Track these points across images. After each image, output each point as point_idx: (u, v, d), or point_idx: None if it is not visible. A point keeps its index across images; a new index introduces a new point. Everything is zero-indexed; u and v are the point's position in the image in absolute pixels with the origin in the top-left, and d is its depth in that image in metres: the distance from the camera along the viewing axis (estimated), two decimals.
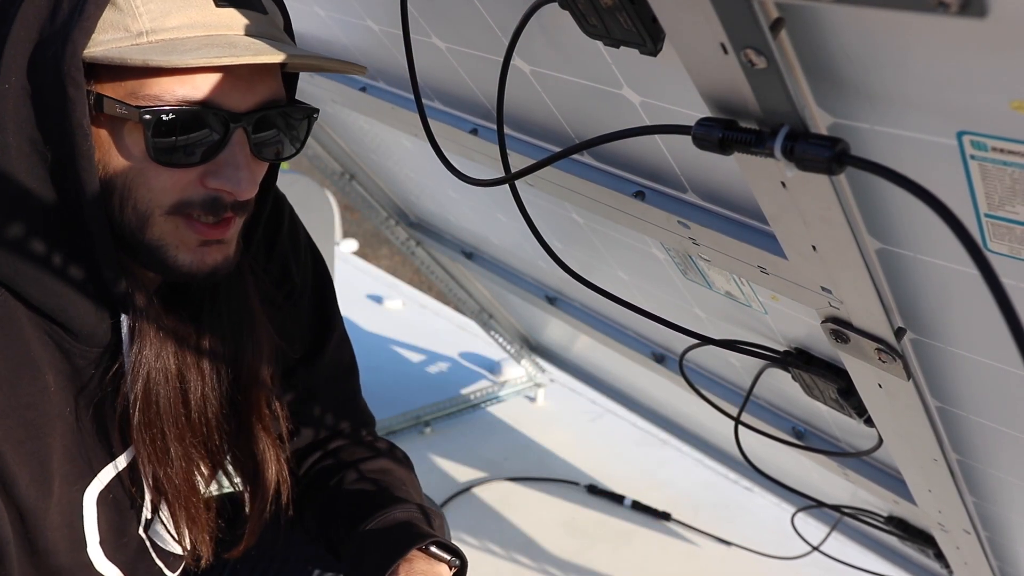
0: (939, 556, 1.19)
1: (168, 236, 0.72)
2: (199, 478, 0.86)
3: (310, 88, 1.34)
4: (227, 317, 0.83)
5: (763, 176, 0.53)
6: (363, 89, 1.17)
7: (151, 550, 0.88)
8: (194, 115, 0.67)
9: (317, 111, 0.80)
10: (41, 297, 0.71)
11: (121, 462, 0.82)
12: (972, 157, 0.47)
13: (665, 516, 2.00)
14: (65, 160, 0.67)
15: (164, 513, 0.86)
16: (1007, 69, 0.38)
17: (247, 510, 0.92)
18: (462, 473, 2.14)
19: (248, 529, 0.91)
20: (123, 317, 0.75)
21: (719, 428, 1.70)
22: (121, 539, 0.84)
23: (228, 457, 0.90)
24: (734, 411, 1.12)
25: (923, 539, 1.19)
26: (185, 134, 0.68)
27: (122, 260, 0.73)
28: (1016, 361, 0.61)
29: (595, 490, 2.08)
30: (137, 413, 0.77)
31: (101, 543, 0.82)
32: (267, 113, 0.72)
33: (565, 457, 2.22)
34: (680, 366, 1.08)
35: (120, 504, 0.83)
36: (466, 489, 2.08)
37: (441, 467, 2.16)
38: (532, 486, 2.11)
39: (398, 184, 1.78)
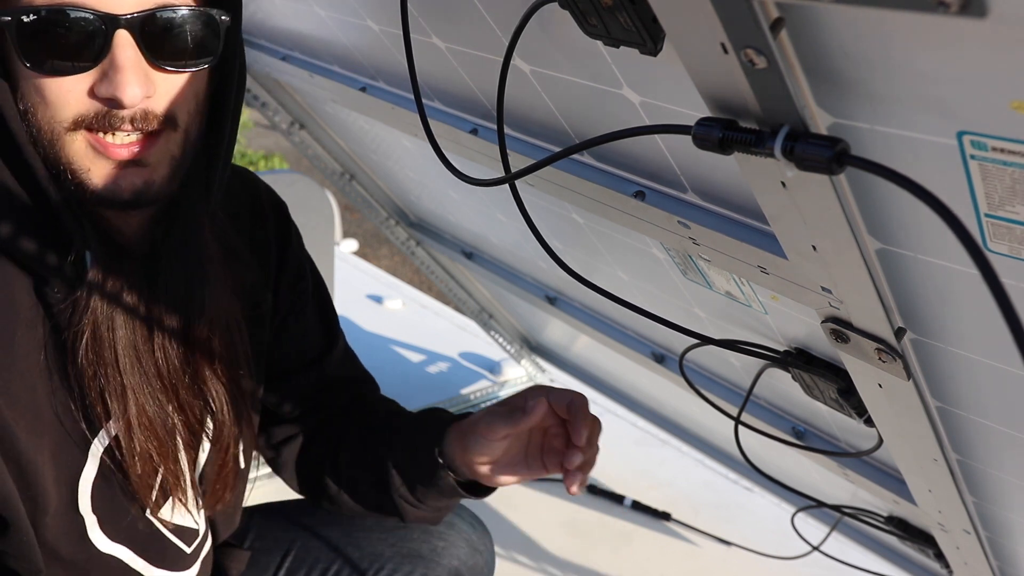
0: (939, 556, 1.19)
1: (78, 158, 0.69)
2: (179, 441, 0.83)
3: (310, 88, 1.34)
4: (180, 264, 0.80)
5: (763, 176, 0.53)
6: (363, 89, 1.17)
7: (157, 524, 0.86)
8: (62, 17, 0.64)
9: (230, 15, 0.74)
10: (8, 246, 0.70)
11: (112, 428, 0.80)
12: (972, 157, 0.46)
13: (665, 516, 2.00)
14: None
15: (167, 487, 0.84)
16: (1007, 69, 0.38)
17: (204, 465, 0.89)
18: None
19: (207, 490, 0.89)
20: (88, 260, 0.73)
21: (719, 428, 1.70)
22: (123, 515, 0.83)
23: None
24: (734, 411, 1.12)
25: (923, 539, 1.19)
26: (55, 39, 0.65)
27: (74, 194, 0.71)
28: (1016, 361, 0.61)
29: (595, 490, 2.08)
30: (82, 351, 0.74)
31: (101, 526, 0.81)
32: (159, 15, 0.67)
33: None
34: (680, 366, 1.08)
35: (117, 477, 0.81)
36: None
37: None
38: (532, 486, 2.11)
39: (398, 184, 1.78)
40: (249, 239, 0.93)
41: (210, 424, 0.88)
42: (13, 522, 0.75)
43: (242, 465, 0.94)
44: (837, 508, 1.33)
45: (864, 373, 0.72)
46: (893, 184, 0.45)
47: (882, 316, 0.61)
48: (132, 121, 0.68)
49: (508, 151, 0.75)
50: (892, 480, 1.06)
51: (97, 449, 0.79)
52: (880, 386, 0.72)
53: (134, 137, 0.69)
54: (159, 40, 0.68)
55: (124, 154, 0.69)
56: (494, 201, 1.34)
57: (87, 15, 0.65)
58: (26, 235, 0.71)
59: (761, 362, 1.03)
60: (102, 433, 0.79)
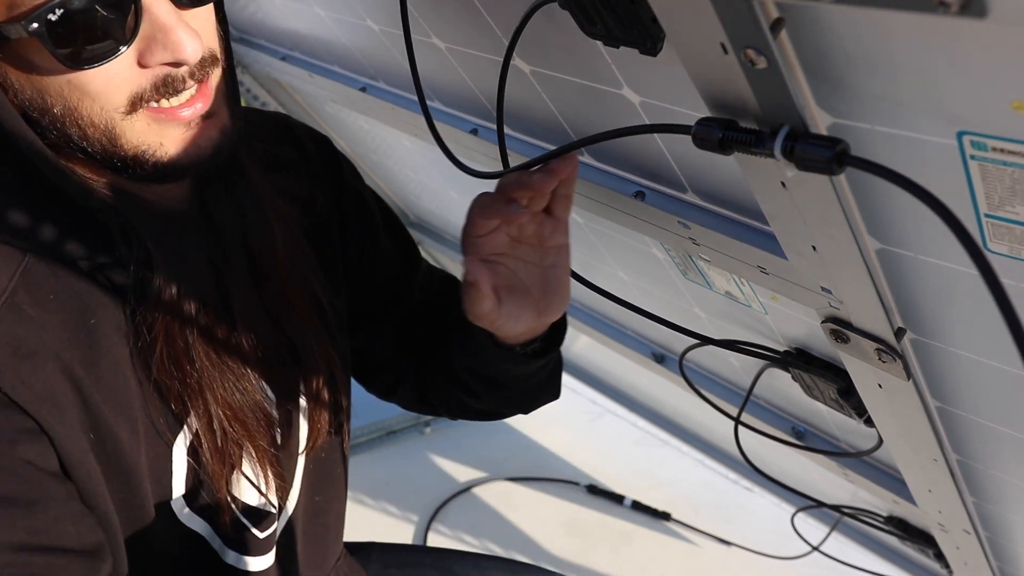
0: (939, 556, 1.19)
1: (145, 137, 0.64)
2: (271, 413, 0.78)
3: (309, 88, 1.34)
4: (236, 217, 0.75)
5: (763, 176, 0.53)
6: (363, 89, 1.17)
7: (234, 507, 0.82)
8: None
9: None
10: (62, 252, 0.66)
11: (194, 423, 0.75)
12: (972, 157, 0.46)
13: (665, 516, 2.00)
14: None
15: (247, 468, 0.79)
16: (1007, 69, 0.38)
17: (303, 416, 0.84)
18: (462, 473, 2.14)
19: (307, 435, 0.84)
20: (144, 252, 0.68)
21: (719, 428, 1.70)
22: (204, 494, 0.79)
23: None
24: (734, 411, 1.12)
25: (923, 539, 1.19)
26: (88, 24, 0.58)
27: (110, 185, 0.67)
28: (1016, 361, 0.61)
29: (595, 490, 2.08)
30: (158, 350, 0.69)
31: (185, 496, 0.78)
32: None
33: (565, 457, 2.22)
34: (680, 366, 1.08)
35: (202, 458, 0.76)
36: (466, 489, 2.08)
37: (441, 467, 2.17)
38: (532, 486, 2.11)
39: (398, 184, 1.78)
40: (298, 181, 0.88)
41: (302, 385, 0.84)
42: (112, 537, 0.71)
43: (343, 404, 0.89)
44: (837, 508, 1.33)
45: (864, 373, 0.72)
46: (893, 184, 0.45)
47: (882, 316, 0.61)
48: (191, 75, 0.63)
49: (508, 151, 0.75)
50: (892, 480, 1.06)
51: (181, 446, 0.75)
52: (880, 386, 0.72)
53: (193, 90, 0.64)
54: None
55: (190, 112, 0.64)
56: None
57: None
58: (76, 239, 0.67)
59: (761, 362, 1.03)
60: (184, 429, 0.75)
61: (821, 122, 0.50)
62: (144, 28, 0.61)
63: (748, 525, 1.99)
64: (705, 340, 0.84)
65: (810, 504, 1.45)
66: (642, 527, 1.99)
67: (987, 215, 0.50)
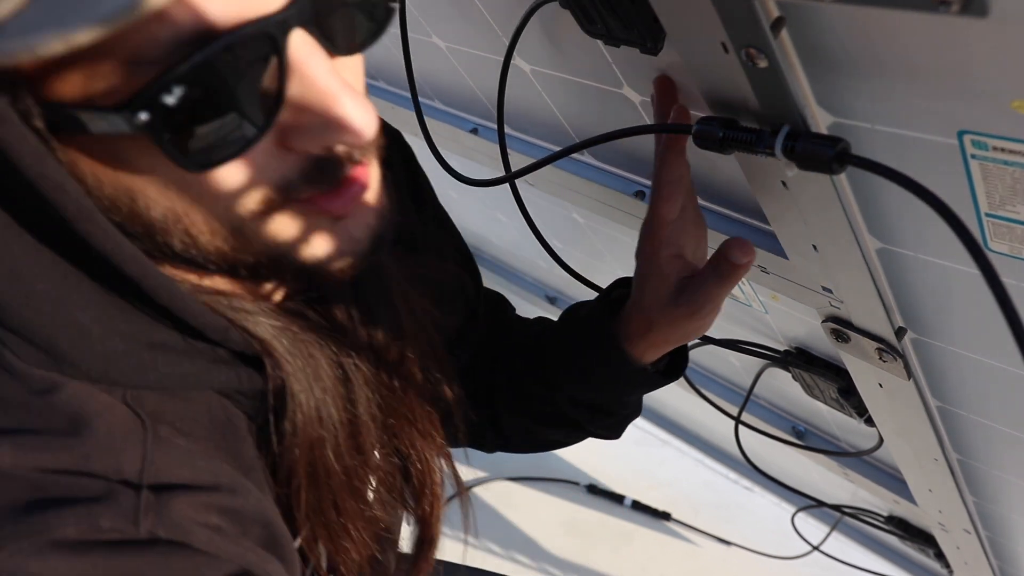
0: (939, 556, 1.19)
1: (284, 237, 0.45)
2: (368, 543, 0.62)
3: None
4: (363, 308, 0.59)
5: (764, 175, 0.53)
6: None
7: None
8: (216, 57, 0.36)
9: None
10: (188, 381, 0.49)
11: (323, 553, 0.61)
12: (973, 156, 0.46)
13: (665, 516, 2.00)
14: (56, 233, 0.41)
15: None
16: (1008, 69, 0.38)
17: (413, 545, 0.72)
18: (462, 472, 2.14)
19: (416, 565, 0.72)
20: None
21: (719, 428, 1.70)
22: None
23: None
24: (734, 411, 1.12)
25: (923, 539, 1.19)
26: (216, 104, 0.38)
27: (218, 290, 0.51)
28: (1016, 360, 0.61)
29: (595, 490, 2.08)
30: (303, 499, 0.54)
31: None
32: None
33: (565, 457, 2.22)
34: None
35: None
36: (466, 489, 2.08)
37: None
38: (532, 486, 2.11)
39: None
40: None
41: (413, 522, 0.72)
42: None
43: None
44: (837, 508, 1.33)
45: (864, 373, 0.72)
46: (894, 183, 0.45)
47: (883, 316, 0.61)
48: (351, 156, 0.44)
49: (508, 150, 0.75)
50: (892, 480, 1.06)
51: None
52: (880, 386, 0.72)
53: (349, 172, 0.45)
54: (330, 23, 0.41)
55: (346, 202, 0.46)
56: (494, 201, 1.34)
57: (248, 31, 0.37)
58: (194, 362, 0.49)
59: (761, 362, 1.03)
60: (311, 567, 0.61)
61: (822, 121, 0.50)
62: (293, 94, 0.39)
63: (748, 525, 1.99)
64: (705, 340, 0.84)
65: (810, 504, 1.45)
66: (642, 527, 1.99)
67: (988, 214, 0.50)
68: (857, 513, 1.29)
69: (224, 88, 0.38)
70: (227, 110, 0.39)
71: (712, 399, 1.17)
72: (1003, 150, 0.44)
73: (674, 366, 0.73)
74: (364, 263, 0.49)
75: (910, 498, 1.00)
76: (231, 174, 0.41)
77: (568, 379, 0.74)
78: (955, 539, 1.03)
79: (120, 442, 0.44)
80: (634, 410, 0.79)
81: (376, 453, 0.61)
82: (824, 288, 0.63)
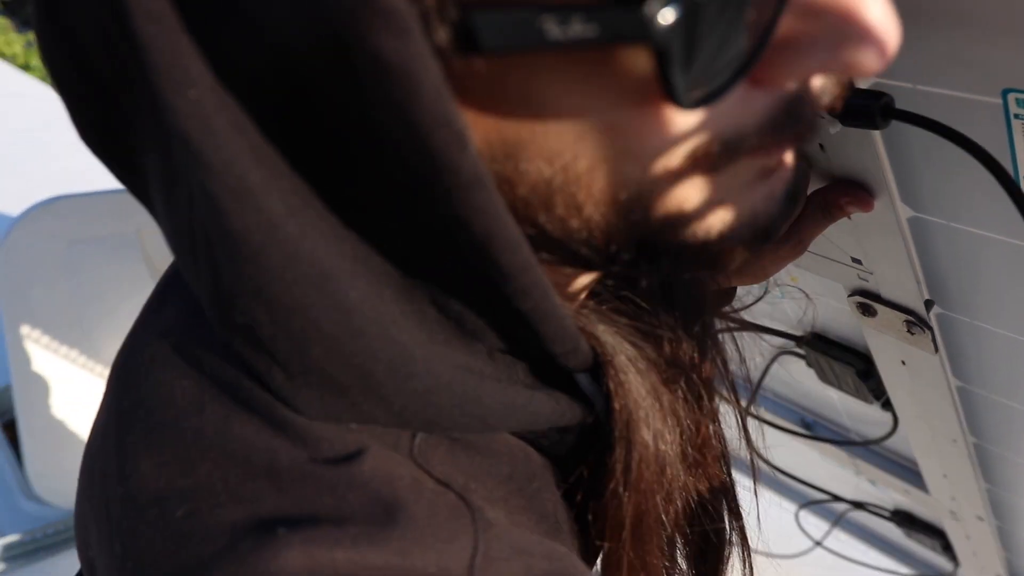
0: (946, 549, 1.18)
1: (695, 203, 0.33)
2: None
3: None
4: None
5: None
6: None
7: None
8: None
9: None
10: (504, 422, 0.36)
11: None
12: (1016, 116, 0.46)
13: None
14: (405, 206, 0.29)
15: None
16: None
17: None
18: None
19: None
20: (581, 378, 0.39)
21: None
22: None
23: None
24: (740, 404, 1.11)
25: (930, 532, 1.19)
26: (732, 6, 0.26)
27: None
28: None
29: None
30: (627, 527, 0.41)
31: None
32: None
33: None
34: None
35: None
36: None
37: None
38: None
39: None
40: None
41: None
42: None
43: None
44: (842, 500, 1.33)
45: (888, 349, 0.71)
46: (927, 145, 0.45)
47: (913, 287, 0.61)
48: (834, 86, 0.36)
49: None
50: (903, 469, 1.06)
51: None
52: (903, 363, 0.72)
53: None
54: None
55: (790, 159, 0.36)
56: None
57: None
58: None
59: (773, 350, 1.02)
60: None
61: (863, 80, 0.49)
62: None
63: (751, 523, 1.98)
64: (735, 319, 0.83)
65: (813, 500, 1.44)
66: None
67: None
68: (861, 506, 1.29)
69: None
70: (738, 16, 0.26)
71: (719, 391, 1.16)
72: None
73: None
74: (775, 235, 0.37)
75: (921, 486, 1.00)
76: (692, 116, 0.29)
77: None
78: (966, 528, 1.03)
79: (445, 531, 0.32)
80: None
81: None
82: (854, 259, 0.62)
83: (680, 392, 0.42)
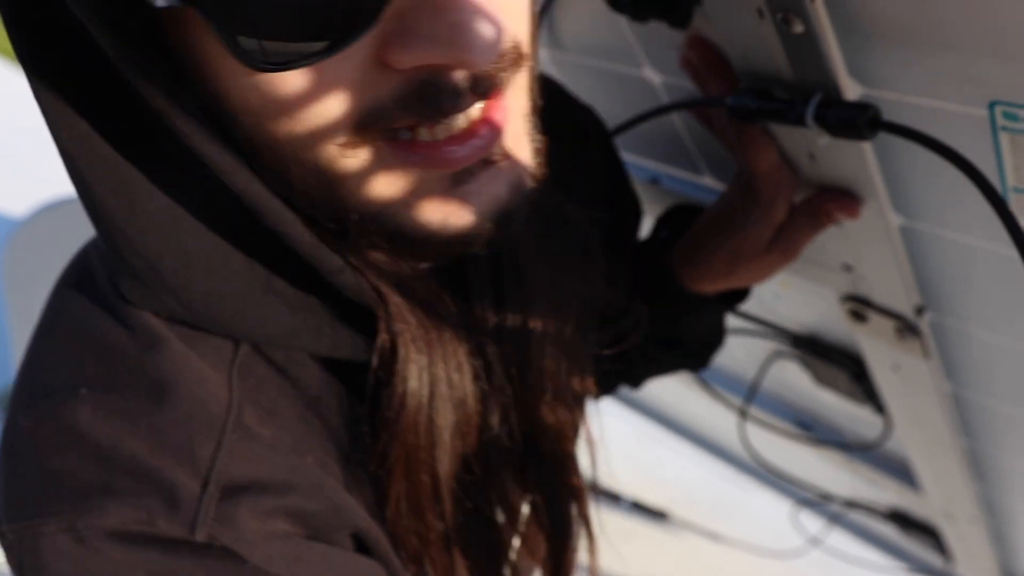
0: (941, 549, 1.19)
1: (378, 190, 0.37)
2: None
3: None
4: (510, 291, 0.50)
5: (793, 148, 0.54)
6: None
7: None
8: None
9: None
10: (286, 339, 0.42)
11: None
12: (1003, 128, 0.47)
13: (663, 515, 2.00)
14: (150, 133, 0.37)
15: None
16: None
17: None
18: None
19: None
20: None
21: (719, 426, 1.70)
22: None
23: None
24: (737, 405, 1.12)
25: (925, 532, 1.20)
26: None
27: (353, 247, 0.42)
28: None
29: (593, 489, 2.08)
30: (395, 494, 0.46)
31: None
32: None
33: None
34: None
35: None
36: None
37: None
38: None
39: None
40: (574, 171, 0.61)
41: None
42: None
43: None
44: (836, 499, 1.34)
45: (880, 354, 0.72)
46: (917, 154, 0.45)
47: (903, 293, 0.61)
48: (475, 86, 0.35)
49: None
50: (898, 471, 1.06)
51: None
52: (895, 368, 0.73)
53: (474, 114, 0.36)
54: None
55: (465, 153, 0.36)
56: None
57: None
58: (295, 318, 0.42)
59: (768, 353, 1.03)
60: None
61: (852, 92, 0.50)
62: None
63: (746, 523, 1.99)
64: (734, 311, 0.83)
65: (809, 499, 1.45)
66: (640, 526, 1.99)
67: (1015, 188, 0.50)
68: (857, 506, 1.29)
69: None
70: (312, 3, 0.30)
71: (716, 392, 1.17)
72: None
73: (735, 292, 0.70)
74: (481, 246, 0.40)
75: (915, 488, 1.01)
76: (309, 80, 0.32)
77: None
78: (960, 529, 1.04)
79: (199, 423, 0.40)
80: (710, 339, 0.75)
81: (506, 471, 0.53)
82: (845, 266, 0.63)
83: (459, 358, 0.46)
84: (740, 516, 2.03)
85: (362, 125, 0.35)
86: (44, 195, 1.85)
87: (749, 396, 1.12)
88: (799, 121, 0.48)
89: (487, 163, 0.38)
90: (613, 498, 2.05)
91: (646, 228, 0.98)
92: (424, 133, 0.36)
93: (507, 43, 0.35)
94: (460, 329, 0.46)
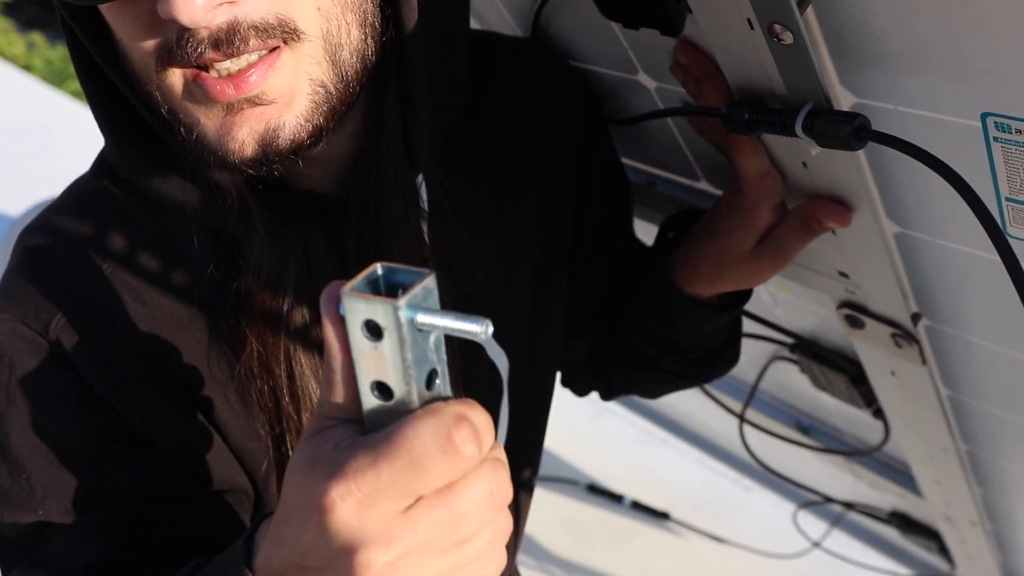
0: (943, 551, 1.19)
1: (182, 107, 0.49)
2: None
3: None
4: (379, 231, 0.57)
5: (787, 156, 0.53)
6: None
7: None
8: None
9: None
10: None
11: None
12: (996, 139, 0.46)
13: (664, 515, 2.00)
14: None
15: None
16: None
17: None
18: None
19: None
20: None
21: (719, 427, 1.70)
22: None
23: None
24: (737, 407, 1.12)
25: (926, 534, 1.19)
26: None
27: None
28: None
29: (594, 489, 2.08)
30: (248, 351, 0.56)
31: None
32: None
33: (564, 456, 2.22)
34: None
35: None
36: None
37: None
38: None
39: None
40: (540, 136, 0.67)
41: None
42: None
43: None
44: (838, 501, 1.33)
45: (877, 360, 0.72)
46: (912, 163, 0.45)
47: (899, 301, 0.61)
48: (217, 44, 0.45)
49: None
50: (898, 474, 1.06)
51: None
52: (893, 373, 0.72)
53: (242, 63, 0.46)
54: None
55: (228, 91, 0.47)
56: None
57: None
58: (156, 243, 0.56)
59: (767, 356, 1.03)
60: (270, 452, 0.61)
61: (845, 102, 0.50)
62: None
63: (747, 524, 1.99)
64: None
65: (811, 501, 1.45)
66: (641, 526, 1.99)
67: (1008, 199, 0.50)
68: (858, 509, 1.29)
69: None
70: None
71: (715, 396, 1.16)
72: None
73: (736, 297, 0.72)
74: (245, 168, 0.50)
75: (916, 491, 1.00)
76: (121, 12, 0.47)
77: (638, 313, 0.74)
78: (961, 532, 1.03)
79: (48, 292, 0.55)
80: (716, 350, 0.77)
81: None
82: (841, 273, 0.63)
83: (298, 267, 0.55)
84: (742, 517, 2.02)
85: (163, 58, 0.47)
86: (44, 195, 1.86)
87: (747, 400, 1.11)
88: (789, 131, 0.47)
89: (254, 104, 0.48)
90: (615, 497, 2.05)
91: (645, 231, 0.97)
92: (212, 71, 0.47)
93: (254, 16, 0.46)
94: (311, 219, 0.56)
